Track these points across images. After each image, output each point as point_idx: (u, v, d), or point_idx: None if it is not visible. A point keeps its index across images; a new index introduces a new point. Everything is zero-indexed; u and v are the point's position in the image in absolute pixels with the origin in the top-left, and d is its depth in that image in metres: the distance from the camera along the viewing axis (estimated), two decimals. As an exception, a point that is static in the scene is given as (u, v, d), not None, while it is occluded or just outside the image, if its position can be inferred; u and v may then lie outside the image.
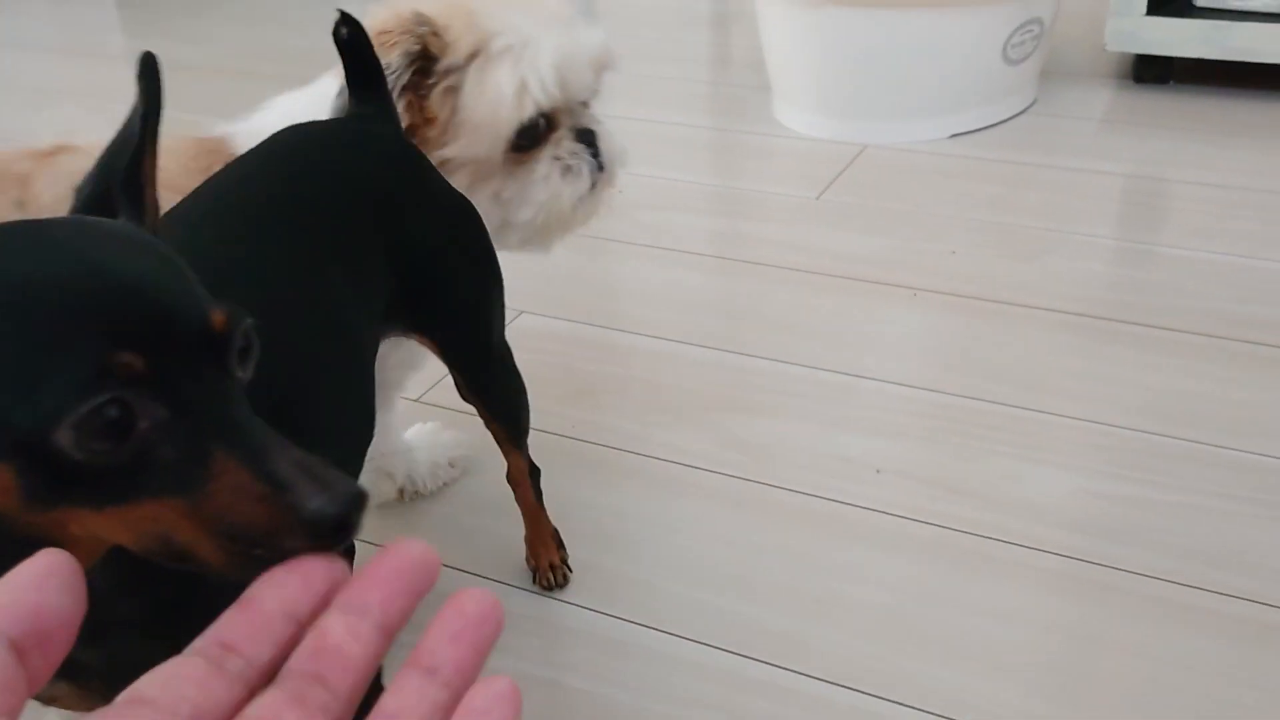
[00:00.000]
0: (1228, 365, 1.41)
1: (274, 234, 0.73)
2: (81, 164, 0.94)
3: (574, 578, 1.13)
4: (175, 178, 0.93)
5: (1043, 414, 1.33)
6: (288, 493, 0.39)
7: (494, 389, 0.99)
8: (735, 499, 1.23)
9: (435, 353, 0.93)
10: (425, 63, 0.95)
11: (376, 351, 0.83)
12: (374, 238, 0.81)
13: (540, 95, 0.97)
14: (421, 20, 0.95)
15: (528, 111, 0.97)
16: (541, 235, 1.06)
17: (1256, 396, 1.35)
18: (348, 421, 0.75)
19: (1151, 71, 2.32)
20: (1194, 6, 2.22)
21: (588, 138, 1.04)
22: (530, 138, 1.00)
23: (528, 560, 1.13)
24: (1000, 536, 1.15)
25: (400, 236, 0.84)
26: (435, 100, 0.96)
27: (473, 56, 0.96)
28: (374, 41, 0.94)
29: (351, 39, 0.86)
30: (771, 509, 1.21)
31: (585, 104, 1.07)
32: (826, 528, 1.18)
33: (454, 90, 0.96)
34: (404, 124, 0.95)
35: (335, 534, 0.39)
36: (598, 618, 1.09)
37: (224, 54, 2.89)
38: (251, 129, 1.03)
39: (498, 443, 1.04)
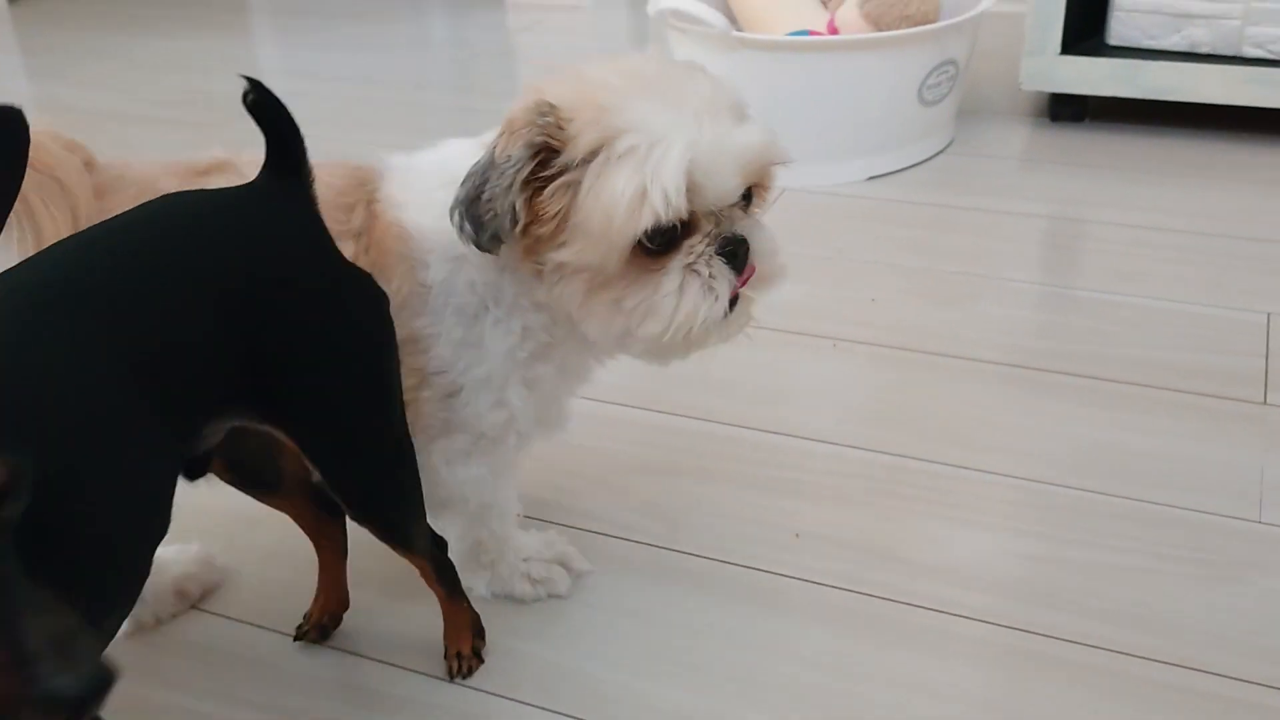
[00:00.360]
0: (1156, 415, 1.38)
1: (71, 327, 0.66)
2: (237, 184, 0.87)
3: (485, 662, 1.06)
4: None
5: (968, 470, 1.29)
6: (31, 667, 0.39)
7: (374, 484, 0.90)
8: (649, 568, 1.17)
9: (292, 446, 0.84)
10: (549, 154, 0.86)
11: (180, 460, 0.76)
12: (212, 329, 0.74)
13: (660, 206, 0.84)
14: (545, 110, 0.86)
15: (644, 223, 0.85)
16: (667, 352, 0.95)
17: (1185, 448, 1.32)
18: (121, 531, 0.68)
19: (1067, 110, 2.33)
20: (1107, 45, 2.24)
21: (731, 247, 0.91)
22: (662, 242, 0.88)
23: (445, 646, 1.07)
24: (926, 604, 1.11)
25: (261, 324, 0.77)
26: (549, 196, 0.86)
27: (593, 154, 0.85)
28: (503, 129, 0.88)
29: (258, 105, 0.79)
30: (686, 578, 1.16)
31: (743, 204, 0.94)
32: (743, 598, 1.13)
33: (571, 188, 0.86)
34: (521, 221, 0.87)
35: (72, 714, 0.39)
36: (509, 705, 1.02)
37: (134, 101, 2.80)
38: (410, 164, 0.98)
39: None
